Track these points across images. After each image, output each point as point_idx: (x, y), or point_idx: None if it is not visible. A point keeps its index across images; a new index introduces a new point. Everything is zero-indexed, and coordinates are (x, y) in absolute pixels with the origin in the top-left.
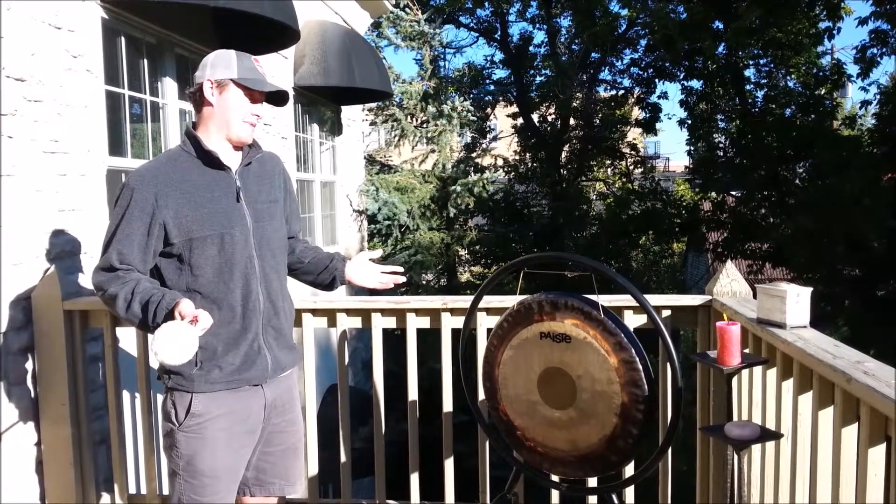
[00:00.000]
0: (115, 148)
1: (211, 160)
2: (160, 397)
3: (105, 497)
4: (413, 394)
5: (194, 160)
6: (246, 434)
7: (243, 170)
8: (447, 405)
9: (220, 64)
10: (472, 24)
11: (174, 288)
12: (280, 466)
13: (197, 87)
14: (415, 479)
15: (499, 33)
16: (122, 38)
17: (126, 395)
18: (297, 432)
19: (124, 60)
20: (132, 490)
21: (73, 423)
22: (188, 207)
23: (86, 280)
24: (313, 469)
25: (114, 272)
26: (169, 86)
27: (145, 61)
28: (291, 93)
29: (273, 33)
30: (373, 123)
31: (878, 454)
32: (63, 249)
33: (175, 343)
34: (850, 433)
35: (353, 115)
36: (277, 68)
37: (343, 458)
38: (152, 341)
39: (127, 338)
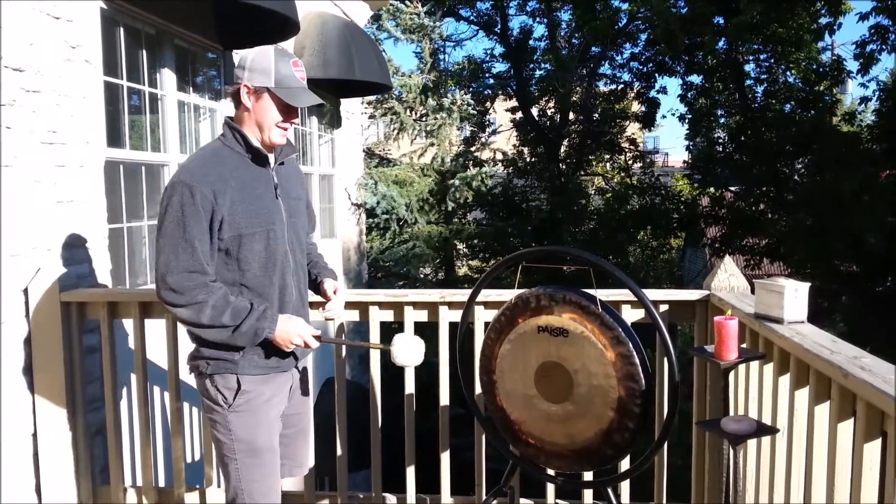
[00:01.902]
0: (114, 139)
1: (259, 157)
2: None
3: (101, 487)
4: (410, 387)
5: (239, 156)
6: (277, 417)
7: (277, 166)
8: (444, 399)
9: (257, 68)
10: (472, 18)
11: (221, 282)
12: (291, 448)
13: (234, 88)
14: (411, 472)
15: (499, 27)
16: (121, 29)
17: (122, 386)
18: (308, 415)
19: (123, 51)
20: (128, 481)
21: (70, 414)
22: (240, 203)
23: (82, 271)
24: (310, 462)
25: (197, 278)
26: (168, 77)
27: (144, 52)
28: None
29: (272, 25)
30: (372, 116)
31: (873, 449)
32: (61, 241)
33: (417, 347)
34: (846, 428)
35: (353, 108)
36: None
37: (339, 452)
38: (395, 348)
39: (123, 330)
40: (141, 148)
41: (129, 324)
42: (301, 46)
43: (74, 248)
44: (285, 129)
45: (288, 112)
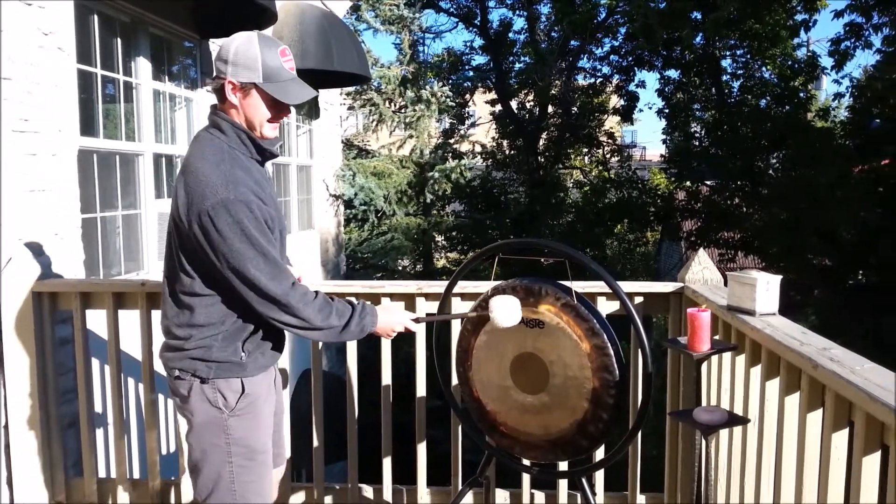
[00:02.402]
0: (88, 128)
1: (263, 155)
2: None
3: (74, 480)
4: (387, 378)
5: (245, 156)
6: (271, 414)
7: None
8: (420, 390)
9: (242, 62)
10: (451, 10)
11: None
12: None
13: (218, 84)
14: (387, 463)
15: (478, 19)
16: (95, 17)
17: (96, 377)
18: (284, 405)
19: (97, 39)
20: (102, 473)
21: (42, 406)
22: (266, 204)
23: (55, 261)
24: (286, 453)
25: (292, 285)
26: (143, 65)
27: (119, 40)
28: None
29: (249, 14)
30: (351, 108)
31: (840, 439)
32: (33, 230)
33: (514, 307)
34: (815, 418)
35: (331, 99)
36: None
37: (316, 443)
38: (494, 312)
39: (97, 320)
40: (115, 137)
41: (102, 314)
42: (279, 36)
43: (47, 238)
44: (277, 124)
45: (279, 107)
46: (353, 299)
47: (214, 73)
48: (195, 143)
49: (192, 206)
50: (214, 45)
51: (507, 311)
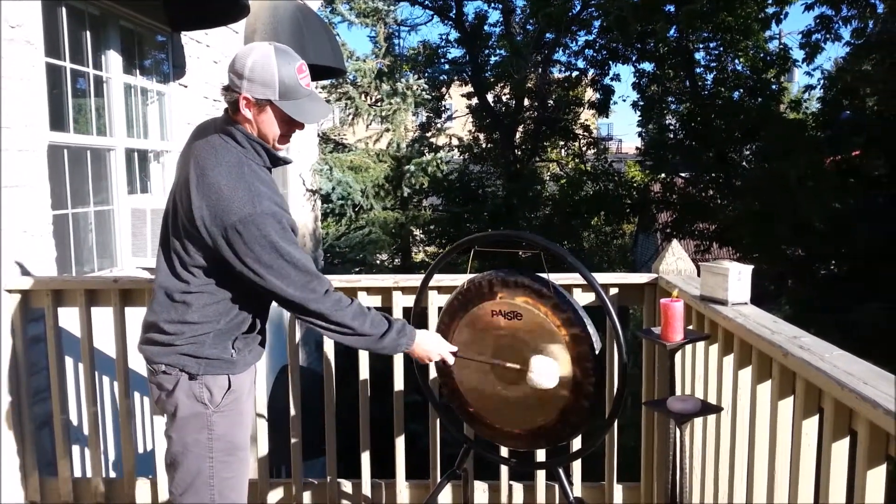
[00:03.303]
0: (57, 123)
1: (276, 164)
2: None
3: (48, 481)
4: (364, 373)
5: (260, 166)
6: (252, 410)
7: None
8: (398, 384)
9: (258, 80)
10: (426, 3)
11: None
12: None
13: (232, 98)
14: (366, 457)
15: (454, 12)
16: (63, 9)
17: (69, 376)
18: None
19: (66, 32)
20: (77, 473)
21: (15, 405)
22: (287, 212)
23: (25, 258)
24: (264, 450)
25: (325, 292)
26: (113, 59)
27: (88, 33)
28: None
29: (222, 6)
30: (326, 101)
31: (811, 425)
32: (2, 228)
33: (554, 369)
34: (787, 405)
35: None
36: (227, 43)
37: (294, 439)
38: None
39: (69, 319)
40: (86, 132)
41: (74, 312)
42: (252, 30)
43: (17, 235)
44: (289, 138)
45: (292, 123)
46: (393, 318)
47: (228, 84)
48: (210, 149)
49: (216, 219)
50: (186, 37)
51: (547, 373)
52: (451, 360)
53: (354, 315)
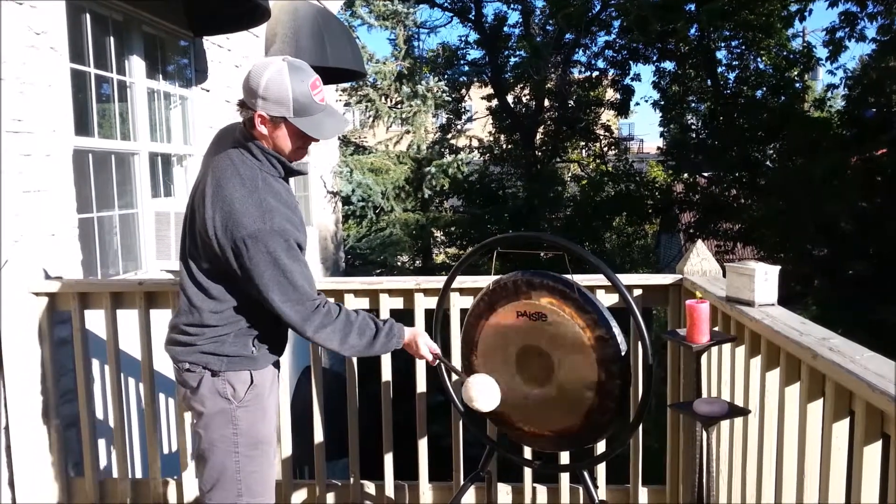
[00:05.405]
0: (82, 127)
1: (292, 175)
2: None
3: (76, 480)
4: (387, 374)
5: (276, 179)
6: (276, 406)
7: None
8: (421, 386)
9: (272, 98)
10: (445, 4)
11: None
12: None
13: (248, 115)
14: (389, 459)
15: (473, 13)
16: (87, 15)
17: (96, 378)
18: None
19: (90, 38)
20: (103, 474)
21: (42, 407)
22: (298, 229)
23: (52, 262)
24: (287, 451)
25: (315, 308)
26: (136, 64)
27: (112, 39)
28: None
29: (243, 11)
30: (347, 104)
31: (841, 429)
32: (29, 231)
33: (491, 390)
34: (816, 409)
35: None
36: (248, 47)
37: (317, 440)
38: (470, 391)
39: (95, 321)
40: (111, 136)
41: (100, 314)
42: (273, 33)
43: (44, 239)
44: (305, 151)
45: (307, 139)
46: (379, 319)
47: (243, 100)
48: (227, 162)
49: (227, 231)
50: (208, 42)
51: (484, 393)
52: (428, 356)
53: (340, 328)
